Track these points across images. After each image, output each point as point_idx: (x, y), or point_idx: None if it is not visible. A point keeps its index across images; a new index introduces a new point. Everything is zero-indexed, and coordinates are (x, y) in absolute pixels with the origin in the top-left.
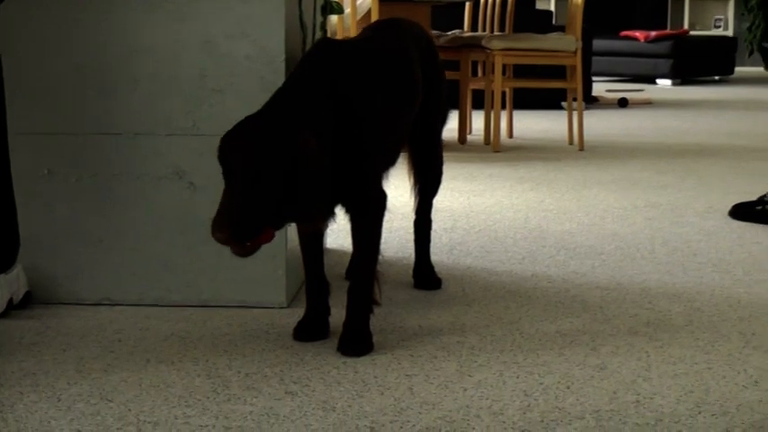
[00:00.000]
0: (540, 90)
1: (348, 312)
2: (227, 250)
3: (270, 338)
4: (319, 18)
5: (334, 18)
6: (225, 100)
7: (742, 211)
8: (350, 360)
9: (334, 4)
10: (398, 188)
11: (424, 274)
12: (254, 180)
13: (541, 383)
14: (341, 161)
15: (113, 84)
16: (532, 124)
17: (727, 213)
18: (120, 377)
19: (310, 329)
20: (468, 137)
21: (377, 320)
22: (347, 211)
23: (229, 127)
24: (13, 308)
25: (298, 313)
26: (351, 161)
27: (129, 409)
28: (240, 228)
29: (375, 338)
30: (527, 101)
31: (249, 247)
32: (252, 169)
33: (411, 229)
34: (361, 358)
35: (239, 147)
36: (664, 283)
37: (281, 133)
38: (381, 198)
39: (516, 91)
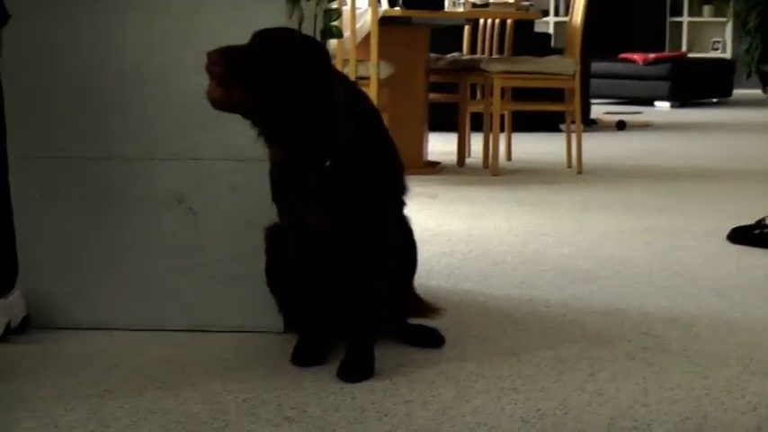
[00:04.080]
0: (538, 112)
1: (354, 338)
2: (223, 273)
3: (267, 364)
4: None
5: (333, 42)
6: (224, 125)
7: (740, 235)
8: (348, 386)
9: (333, 29)
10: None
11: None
12: (275, 53)
13: (539, 410)
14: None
15: (111, 107)
16: (531, 147)
17: (725, 237)
18: (118, 403)
19: (308, 355)
20: (467, 160)
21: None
22: (361, 237)
23: (229, 151)
24: (12, 332)
25: (295, 338)
26: (378, 176)
27: None
28: (232, 63)
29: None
30: (525, 123)
31: (225, 92)
32: (279, 44)
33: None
34: (359, 384)
35: (290, 34)
36: (662, 308)
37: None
38: (404, 227)
39: (515, 113)
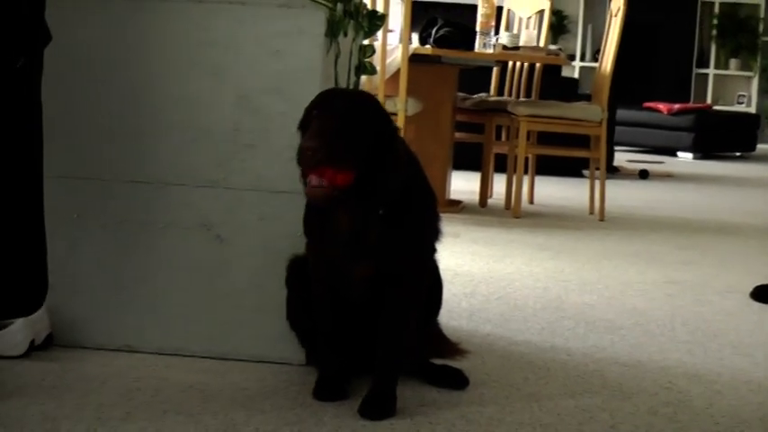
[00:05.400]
0: (562, 157)
1: (377, 375)
2: (248, 302)
3: (289, 396)
4: (353, 78)
5: (363, 78)
6: (257, 155)
7: (764, 294)
8: (369, 423)
9: (367, 65)
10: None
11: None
12: (357, 121)
13: None
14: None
15: (147, 132)
16: (554, 191)
17: (748, 294)
18: (139, 426)
19: (329, 390)
20: (489, 200)
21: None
22: (394, 280)
23: (260, 182)
24: (35, 349)
25: (317, 371)
26: (416, 221)
27: None
28: (332, 149)
29: None
30: (549, 167)
31: (326, 183)
32: (361, 112)
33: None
34: (381, 422)
35: (351, 95)
36: (683, 363)
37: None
38: (432, 267)
39: (538, 156)
